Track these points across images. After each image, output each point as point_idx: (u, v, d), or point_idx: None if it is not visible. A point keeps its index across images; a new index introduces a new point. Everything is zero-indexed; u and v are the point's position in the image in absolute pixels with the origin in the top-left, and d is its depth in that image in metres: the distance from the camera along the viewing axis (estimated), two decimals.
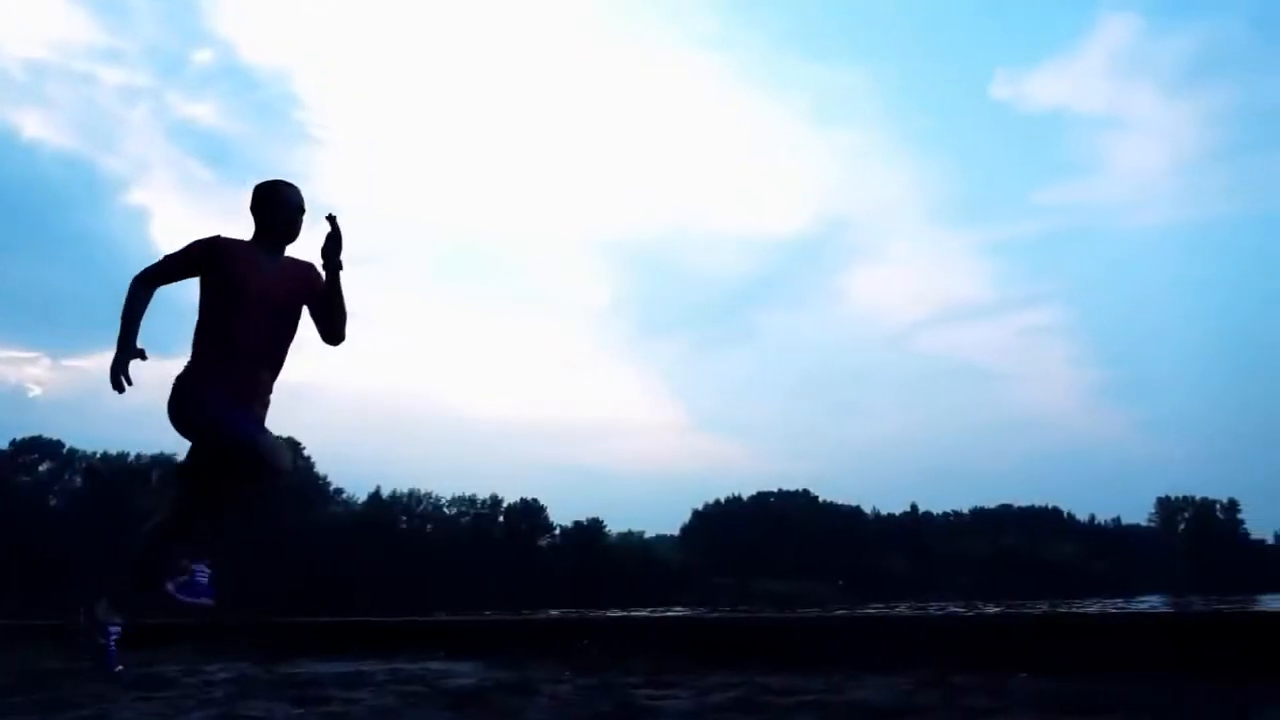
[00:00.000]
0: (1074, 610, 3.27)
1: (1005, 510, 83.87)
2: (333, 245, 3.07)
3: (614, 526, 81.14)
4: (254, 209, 3.11)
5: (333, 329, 3.14)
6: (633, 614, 3.03)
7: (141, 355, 2.91)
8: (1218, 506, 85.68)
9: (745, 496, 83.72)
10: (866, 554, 72.21)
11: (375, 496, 71.49)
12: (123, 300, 2.93)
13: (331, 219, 3.05)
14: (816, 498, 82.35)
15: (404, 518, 72.92)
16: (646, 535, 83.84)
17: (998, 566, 69.45)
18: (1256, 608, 10.73)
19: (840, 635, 2.54)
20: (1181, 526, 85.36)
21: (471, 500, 76.56)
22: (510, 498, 77.53)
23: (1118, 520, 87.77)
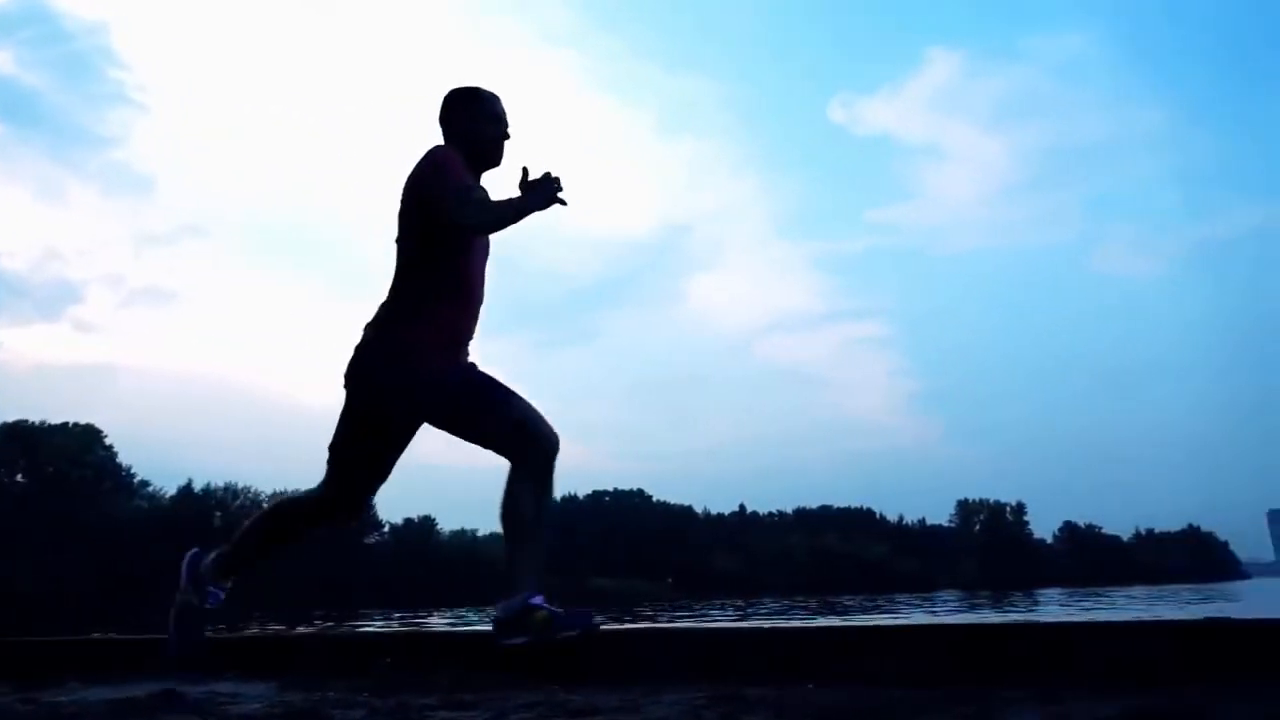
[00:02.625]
0: (860, 624, 3.48)
1: (825, 511, 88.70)
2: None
3: (446, 524, 79.47)
4: (456, 120, 2.49)
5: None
6: (435, 628, 2.97)
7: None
8: (1008, 509, 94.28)
9: (581, 496, 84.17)
10: (696, 552, 74.30)
11: (186, 490, 66.62)
12: (487, 224, 2.29)
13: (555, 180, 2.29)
14: (650, 497, 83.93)
15: (219, 513, 68.31)
16: (480, 534, 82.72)
17: (817, 565, 73.29)
18: (1033, 609, 11.85)
19: (645, 647, 2.59)
20: (977, 527, 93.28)
21: None
22: None
23: (923, 521, 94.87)
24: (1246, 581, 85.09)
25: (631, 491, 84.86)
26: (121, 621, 15.31)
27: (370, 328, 2.39)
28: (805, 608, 19.59)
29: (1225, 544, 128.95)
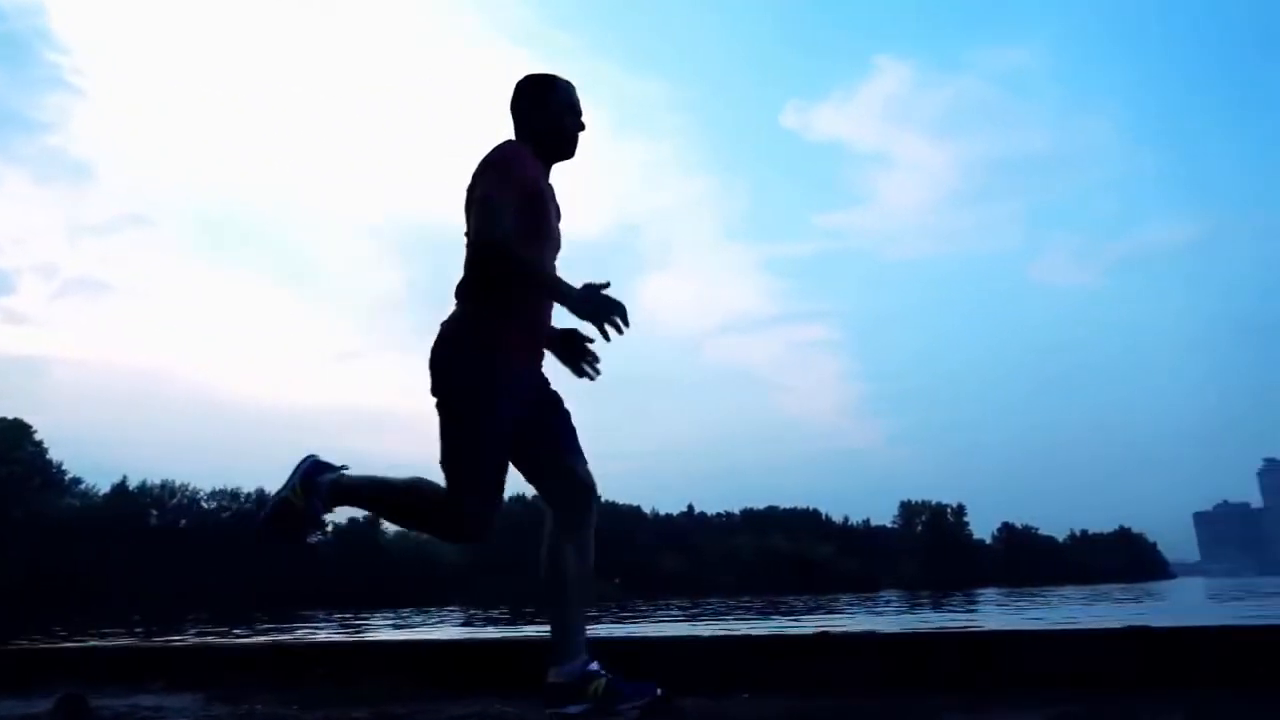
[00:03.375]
0: (795, 632, 3.52)
1: (772, 511, 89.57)
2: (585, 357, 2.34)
3: (391, 524, 78.35)
4: (526, 109, 2.34)
5: None
6: (369, 639, 2.92)
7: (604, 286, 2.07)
8: (949, 510, 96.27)
9: (530, 495, 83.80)
10: (644, 553, 74.43)
11: (121, 487, 64.68)
12: (513, 267, 2.09)
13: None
14: (599, 497, 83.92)
15: (155, 511, 66.47)
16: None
17: (764, 565, 73.95)
18: (972, 610, 12.07)
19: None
20: (919, 528, 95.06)
21: (234, 494, 71.21)
22: None
23: (868, 522, 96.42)
24: (1173, 581, 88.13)
25: None
26: (46, 626, 14.79)
27: (448, 324, 2.22)
28: (750, 609, 19.75)
29: (1154, 545, 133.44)
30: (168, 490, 68.17)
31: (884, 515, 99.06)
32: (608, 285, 2.04)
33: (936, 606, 17.32)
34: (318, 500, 2.16)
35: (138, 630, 13.09)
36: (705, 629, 10.07)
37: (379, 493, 2.22)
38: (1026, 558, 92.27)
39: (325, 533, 74.31)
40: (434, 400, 2.16)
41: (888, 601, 26.50)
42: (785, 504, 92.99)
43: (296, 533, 2.21)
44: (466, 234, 2.23)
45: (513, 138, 2.33)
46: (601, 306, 2.00)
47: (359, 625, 14.76)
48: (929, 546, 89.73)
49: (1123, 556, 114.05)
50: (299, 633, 11.81)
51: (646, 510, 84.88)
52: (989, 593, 36.72)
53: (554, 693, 2.08)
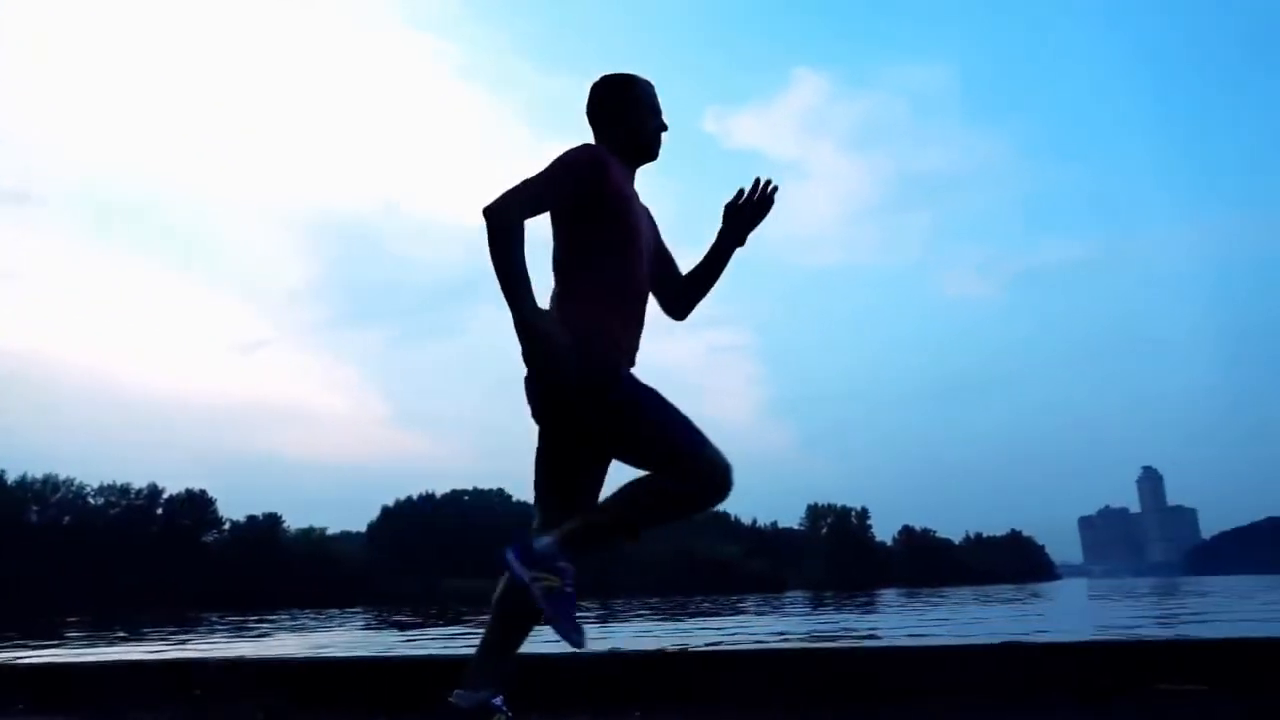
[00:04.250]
0: (689, 648, 3.56)
1: None
2: (758, 215, 2.32)
3: (293, 522, 76.02)
4: (606, 111, 2.24)
5: (692, 302, 2.39)
6: (247, 656, 2.80)
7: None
8: (853, 514, 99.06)
9: (439, 494, 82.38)
10: None
11: None
12: (491, 242, 1.94)
13: (768, 184, 2.30)
14: (510, 497, 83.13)
15: (35, 507, 62.69)
16: (330, 532, 79.63)
17: (674, 566, 74.59)
18: (871, 611, 12.41)
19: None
20: (824, 530, 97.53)
21: (124, 490, 67.90)
22: (173, 488, 69.99)
23: (776, 524, 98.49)
24: (1059, 582, 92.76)
25: (491, 491, 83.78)
26: None
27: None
28: (659, 611, 19.89)
29: (1042, 548, 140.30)
30: (50, 485, 64.44)
31: (792, 517, 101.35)
32: (569, 348, 1.94)
33: (838, 608, 17.78)
34: (562, 564, 2.00)
35: (9, 636, 12.33)
36: (605, 640, 10.10)
37: (601, 519, 2.06)
38: (925, 559, 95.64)
39: (221, 531, 71.48)
40: (572, 419, 2.04)
41: (792, 602, 27.08)
42: None
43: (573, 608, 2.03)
44: (554, 239, 2.15)
45: (592, 142, 2.22)
46: (549, 351, 1.91)
47: (253, 629, 14.25)
48: (834, 548, 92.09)
49: (1014, 558, 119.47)
50: (187, 639, 11.33)
51: None
52: (889, 594, 37.96)
53: (450, 716, 1.99)
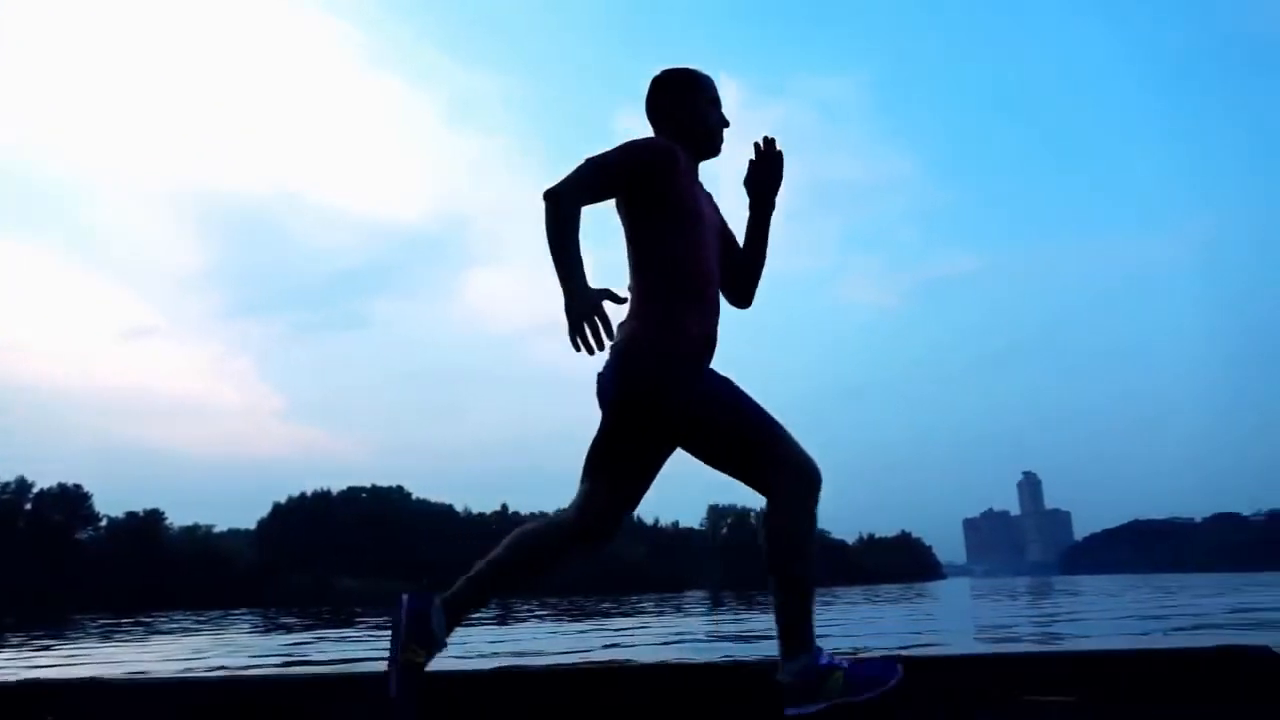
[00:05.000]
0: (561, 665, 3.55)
1: None
2: (773, 175, 2.25)
3: (177, 519, 72.54)
4: (667, 105, 2.20)
5: (749, 286, 2.32)
6: (113, 677, 2.64)
7: (614, 297, 1.92)
8: (752, 515, 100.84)
9: (335, 491, 79.94)
10: (455, 553, 72.93)
11: None
12: (548, 226, 1.91)
13: (770, 142, 2.24)
14: (410, 494, 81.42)
15: None
16: (217, 529, 76.27)
17: (577, 566, 74.24)
18: (765, 612, 12.61)
19: (338, 696, 2.43)
20: (724, 530, 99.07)
21: None
22: (43, 481, 65.71)
23: (677, 524, 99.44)
24: (944, 581, 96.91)
25: (390, 488, 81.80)
26: None
27: (618, 330, 2.05)
28: (560, 611, 19.82)
29: (930, 548, 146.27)
30: None
31: (693, 518, 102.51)
32: (624, 301, 1.98)
33: (737, 608, 18.08)
34: (437, 643, 2.07)
35: None
36: (494, 644, 10.01)
37: (489, 575, 2.16)
38: (820, 559, 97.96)
39: (98, 528, 67.56)
40: (648, 422, 2.02)
41: (691, 602, 27.38)
42: None
43: (420, 687, 2.04)
44: (626, 234, 2.11)
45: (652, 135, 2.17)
46: (581, 317, 1.87)
47: (129, 633, 13.53)
48: (733, 548, 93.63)
49: (903, 558, 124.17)
50: (56, 645, 10.67)
51: (459, 509, 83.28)
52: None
53: (791, 694, 1.90)
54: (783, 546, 1.99)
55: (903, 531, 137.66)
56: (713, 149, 2.22)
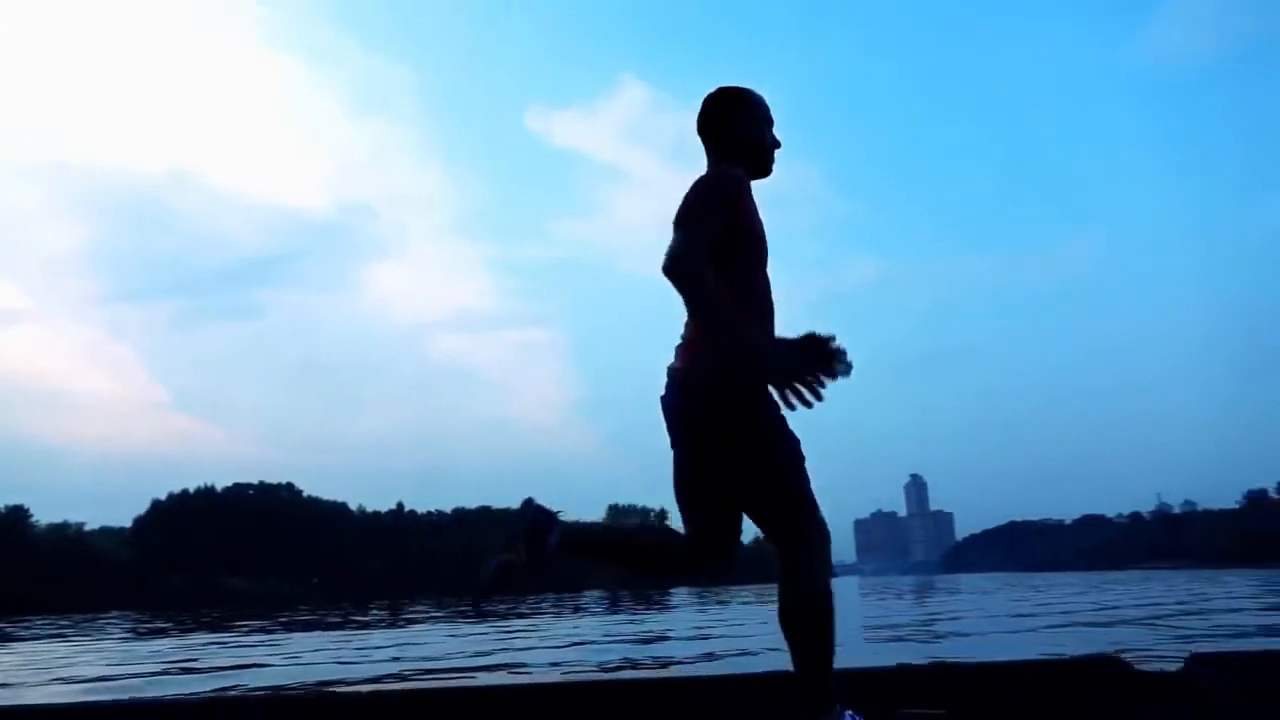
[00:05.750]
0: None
1: (485, 512, 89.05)
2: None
3: (44, 516, 68.08)
4: (728, 125, 2.13)
5: None
6: None
7: (817, 340, 1.83)
8: (653, 515, 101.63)
9: (220, 487, 76.51)
10: (347, 552, 70.89)
11: None
12: (694, 302, 1.88)
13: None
14: (301, 492, 78.64)
15: None
16: (88, 527, 71.84)
17: (474, 564, 73.08)
18: (666, 612, 12.72)
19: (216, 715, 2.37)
20: None
21: None
22: None
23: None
24: (834, 579, 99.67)
25: (280, 485, 78.84)
26: None
27: (683, 350, 2.02)
28: (454, 613, 19.53)
29: None
30: None
31: (594, 517, 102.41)
32: (830, 340, 1.86)
33: (633, 608, 18.18)
34: (545, 557, 2.08)
35: None
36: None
37: (613, 544, 2.16)
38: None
39: None
40: (709, 446, 1.98)
41: (586, 603, 27.38)
42: (499, 504, 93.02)
43: (521, 587, 1.95)
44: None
45: (717, 162, 2.14)
46: (790, 376, 1.81)
47: None
48: None
49: None
50: None
51: (353, 507, 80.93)
52: (682, 593, 39.32)
53: None
54: (798, 591, 1.99)
55: None
56: (765, 170, 2.20)
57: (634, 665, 6.28)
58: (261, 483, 78.44)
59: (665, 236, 1.94)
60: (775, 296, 2.08)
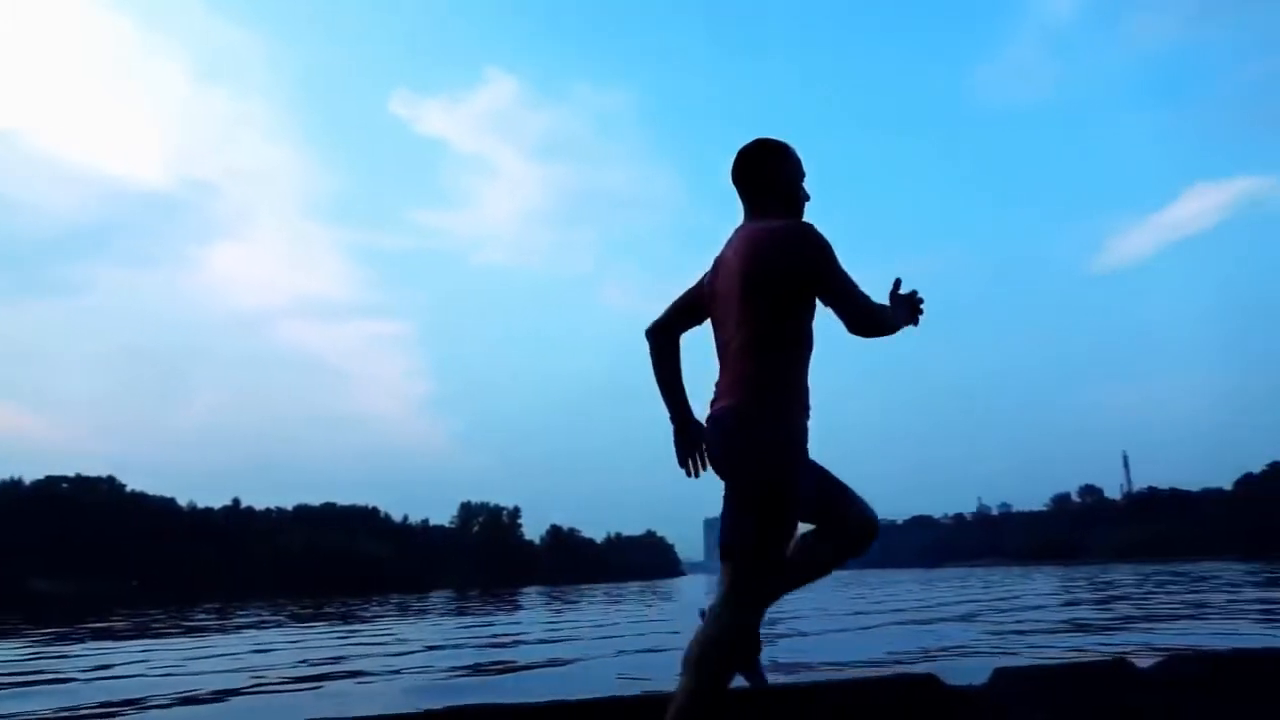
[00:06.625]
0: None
1: (329, 508, 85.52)
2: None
3: None
4: (771, 176, 2.20)
5: None
6: None
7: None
8: (504, 513, 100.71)
9: (29, 481, 69.76)
10: (177, 550, 66.25)
11: None
12: (878, 329, 2.18)
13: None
14: (124, 486, 72.82)
15: None
16: None
17: (315, 564, 70.14)
18: (514, 613, 12.58)
19: None
20: (476, 529, 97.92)
21: None
22: None
23: (426, 521, 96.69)
24: (683, 578, 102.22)
25: (98, 479, 72.70)
26: None
27: (740, 407, 2.04)
28: (290, 615, 18.63)
29: (672, 546, 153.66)
30: None
31: (444, 515, 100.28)
32: (914, 294, 2.32)
33: (481, 610, 17.93)
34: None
35: None
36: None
37: (799, 579, 2.21)
38: (569, 557, 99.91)
39: None
40: (743, 489, 2.04)
41: (435, 602, 26.76)
42: (343, 500, 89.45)
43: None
44: (748, 311, 2.07)
45: (753, 211, 2.22)
46: (913, 312, 2.31)
47: None
48: (483, 546, 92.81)
49: (649, 555, 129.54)
50: None
51: (182, 502, 75.75)
52: (532, 592, 39.15)
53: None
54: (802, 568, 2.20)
55: (649, 530, 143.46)
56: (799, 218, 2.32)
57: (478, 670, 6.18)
58: (79, 475, 72.11)
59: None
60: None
